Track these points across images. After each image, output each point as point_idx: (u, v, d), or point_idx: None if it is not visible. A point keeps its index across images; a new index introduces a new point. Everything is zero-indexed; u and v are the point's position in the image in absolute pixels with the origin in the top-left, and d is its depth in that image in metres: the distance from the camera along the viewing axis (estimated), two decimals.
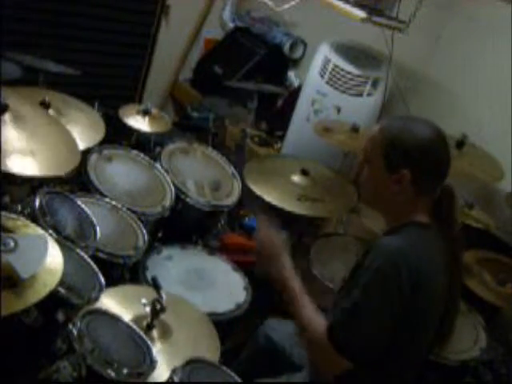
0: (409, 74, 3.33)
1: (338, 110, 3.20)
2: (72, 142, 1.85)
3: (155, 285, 1.69)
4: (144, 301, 1.64)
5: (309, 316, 1.55)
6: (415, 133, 1.54)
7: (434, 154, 1.55)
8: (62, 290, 1.46)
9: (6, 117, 1.63)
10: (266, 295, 2.30)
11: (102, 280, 1.64)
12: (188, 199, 2.39)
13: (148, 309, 1.63)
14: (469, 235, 2.44)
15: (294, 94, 3.67)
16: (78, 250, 1.69)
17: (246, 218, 2.92)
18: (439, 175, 1.58)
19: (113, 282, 1.82)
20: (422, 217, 1.57)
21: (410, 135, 1.54)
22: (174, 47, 4.20)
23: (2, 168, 1.50)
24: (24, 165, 1.58)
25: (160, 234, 2.38)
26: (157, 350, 1.55)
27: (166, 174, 2.42)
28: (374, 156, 1.58)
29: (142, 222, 2.16)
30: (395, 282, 1.45)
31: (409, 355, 1.59)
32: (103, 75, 3.86)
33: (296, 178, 2.58)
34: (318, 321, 1.53)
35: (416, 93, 3.29)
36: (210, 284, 2.14)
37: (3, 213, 1.52)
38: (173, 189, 2.38)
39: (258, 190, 2.44)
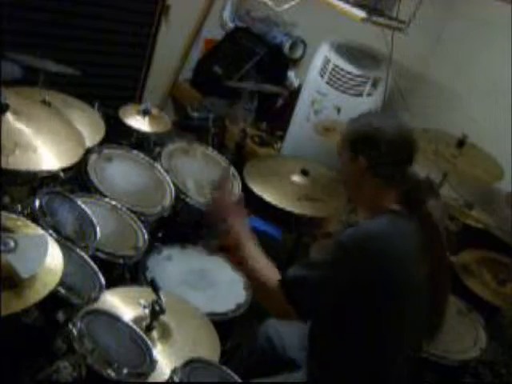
0: (409, 74, 3.33)
1: (338, 110, 3.20)
2: (76, 133, 1.86)
3: (154, 287, 1.68)
4: (143, 302, 1.64)
5: (263, 268, 1.63)
6: (372, 123, 1.62)
7: (389, 141, 1.59)
8: (61, 290, 1.47)
9: (8, 113, 1.63)
10: None
11: (102, 280, 1.64)
12: (188, 199, 2.39)
13: (147, 311, 1.63)
14: (469, 235, 2.46)
15: (294, 94, 3.67)
16: (78, 250, 1.69)
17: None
18: (397, 163, 1.62)
19: (113, 282, 1.82)
20: (394, 206, 1.60)
21: (368, 125, 1.63)
22: (174, 47, 4.19)
23: (6, 165, 1.50)
24: (28, 160, 1.58)
25: (160, 234, 2.38)
26: (157, 350, 1.55)
27: (166, 174, 2.42)
28: (343, 149, 1.67)
29: (142, 222, 2.16)
30: (349, 259, 1.51)
31: (386, 344, 1.60)
32: (103, 75, 3.85)
33: (296, 178, 2.58)
34: (271, 272, 1.61)
35: (416, 93, 3.28)
36: (210, 284, 2.14)
37: (3, 213, 1.52)
38: (173, 189, 2.38)
39: (258, 189, 2.44)
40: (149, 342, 1.51)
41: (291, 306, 1.54)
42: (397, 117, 1.67)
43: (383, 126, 1.61)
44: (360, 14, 2.79)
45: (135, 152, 2.48)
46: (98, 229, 1.87)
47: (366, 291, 1.52)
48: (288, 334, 1.94)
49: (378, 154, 1.59)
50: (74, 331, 1.39)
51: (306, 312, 1.57)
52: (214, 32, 4.27)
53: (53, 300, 1.40)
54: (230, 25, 4.24)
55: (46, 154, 1.63)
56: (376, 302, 1.53)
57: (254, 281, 1.70)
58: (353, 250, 1.52)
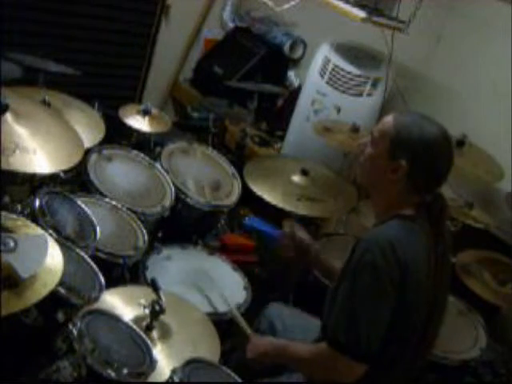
0: (409, 74, 3.33)
1: (338, 110, 3.20)
2: (75, 137, 1.85)
3: (154, 287, 1.69)
4: (143, 302, 1.64)
5: (302, 349, 1.62)
6: (424, 129, 1.57)
7: (436, 154, 1.57)
8: (61, 290, 1.47)
9: (8, 115, 1.63)
10: (266, 295, 2.30)
11: (102, 280, 1.64)
12: (188, 199, 2.39)
13: (147, 311, 1.63)
14: (469, 235, 2.46)
15: (294, 93, 3.67)
16: (78, 250, 1.69)
17: (246, 218, 2.92)
18: (436, 177, 1.60)
19: (113, 282, 1.82)
20: (408, 211, 1.59)
21: (419, 130, 1.57)
22: (174, 47, 4.19)
23: (6, 166, 1.50)
24: (27, 162, 1.58)
25: (160, 234, 2.38)
26: (157, 350, 1.55)
27: (166, 174, 2.42)
28: (380, 140, 1.61)
29: (142, 222, 2.16)
30: (386, 273, 1.48)
31: (398, 352, 1.59)
32: (103, 75, 3.85)
33: (296, 178, 2.58)
34: (312, 346, 1.60)
35: (416, 93, 3.28)
36: (210, 284, 2.14)
37: (3, 213, 1.52)
38: (173, 189, 2.38)
39: (258, 190, 2.44)
40: (149, 342, 1.51)
41: (349, 357, 1.48)
42: (438, 123, 1.61)
43: (430, 133, 1.56)
44: (360, 13, 2.79)
45: (135, 152, 2.48)
46: (97, 229, 1.87)
47: (398, 297, 1.51)
48: (291, 324, 1.94)
49: (421, 162, 1.56)
50: (74, 331, 1.39)
51: (366, 351, 1.49)
52: (214, 32, 4.27)
53: (53, 300, 1.40)
54: (230, 25, 4.24)
55: (45, 156, 1.63)
56: (401, 306, 1.51)
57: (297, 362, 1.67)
58: (383, 261, 1.48)
